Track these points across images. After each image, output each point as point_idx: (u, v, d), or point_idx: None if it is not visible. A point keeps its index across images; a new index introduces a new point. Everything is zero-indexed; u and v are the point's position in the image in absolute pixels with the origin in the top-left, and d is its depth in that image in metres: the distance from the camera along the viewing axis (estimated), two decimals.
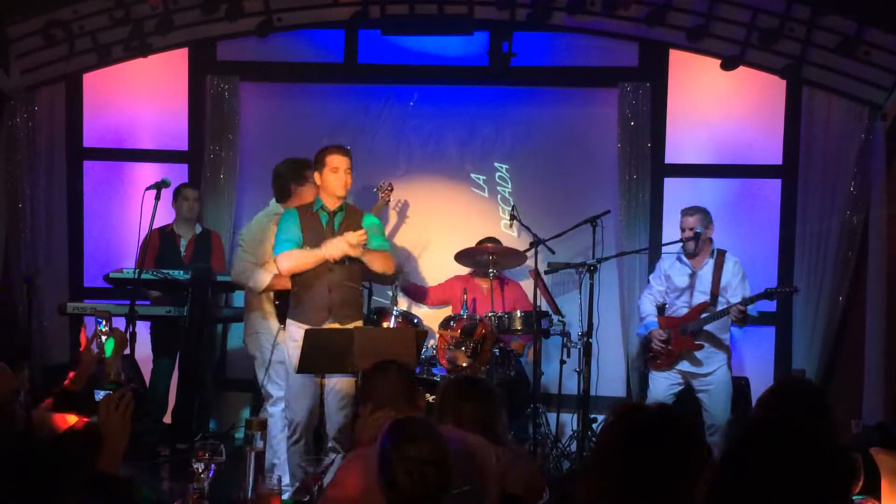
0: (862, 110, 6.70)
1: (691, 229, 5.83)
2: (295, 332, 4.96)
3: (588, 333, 5.90)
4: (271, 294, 5.39)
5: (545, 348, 6.53)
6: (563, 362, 6.24)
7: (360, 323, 5.07)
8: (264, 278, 5.31)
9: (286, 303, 5.14)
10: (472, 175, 7.26)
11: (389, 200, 6.72)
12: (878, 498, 3.34)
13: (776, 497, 1.55)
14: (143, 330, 6.84)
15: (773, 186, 7.11)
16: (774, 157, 7.08)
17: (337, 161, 4.99)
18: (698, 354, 5.76)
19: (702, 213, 5.90)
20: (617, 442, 2.02)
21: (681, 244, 5.91)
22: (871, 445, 3.41)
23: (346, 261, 4.90)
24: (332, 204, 5.05)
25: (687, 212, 5.95)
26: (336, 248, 4.84)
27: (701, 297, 5.82)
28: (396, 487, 2.45)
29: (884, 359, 6.61)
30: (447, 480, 2.48)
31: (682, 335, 5.76)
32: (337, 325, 4.90)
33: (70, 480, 2.86)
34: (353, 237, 4.80)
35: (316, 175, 5.04)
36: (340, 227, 5.02)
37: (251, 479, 3.21)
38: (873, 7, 6.54)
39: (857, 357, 6.72)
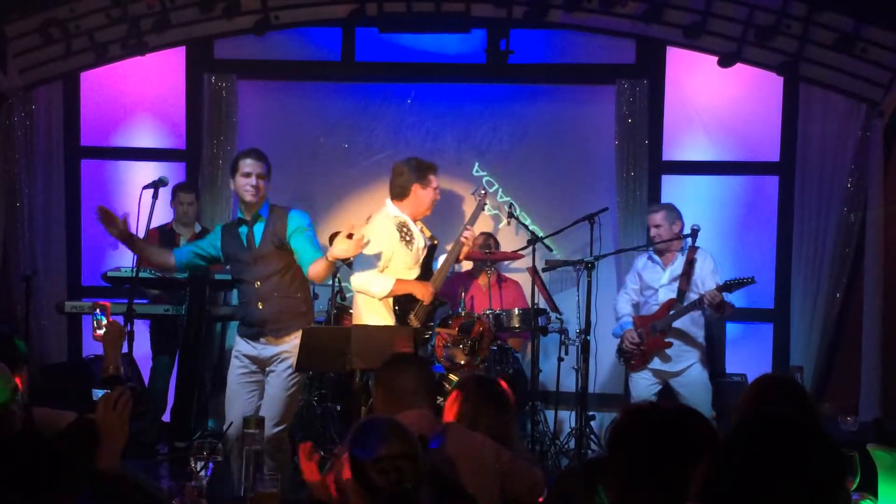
0: (859, 107, 6.72)
1: (657, 226, 5.82)
2: (237, 342, 5.00)
3: (586, 331, 5.91)
4: (390, 300, 5.07)
5: (543, 346, 6.55)
6: (560, 360, 6.26)
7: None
8: (387, 284, 4.98)
9: (405, 308, 5.01)
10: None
11: (486, 203, 6.06)
12: (875, 494, 3.35)
13: (770, 492, 1.56)
14: (142, 328, 6.86)
15: (771, 183, 7.13)
16: (772, 153, 7.10)
17: (248, 166, 4.80)
18: (668, 351, 5.76)
19: (666, 209, 5.90)
20: (638, 442, 2.05)
21: (664, 242, 5.90)
22: (867, 441, 3.42)
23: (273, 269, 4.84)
24: (248, 213, 4.88)
25: (653, 208, 5.98)
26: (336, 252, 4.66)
27: (670, 294, 5.81)
28: (374, 490, 2.44)
29: (880, 355, 6.62)
30: (421, 473, 2.48)
31: (652, 334, 5.77)
32: (272, 339, 4.84)
33: (70, 478, 2.87)
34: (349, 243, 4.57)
35: (231, 181, 4.92)
36: (263, 236, 4.85)
37: (248, 478, 3.21)
38: (870, 4, 6.55)
39: (854, 353, 6.73)
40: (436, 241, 5.32)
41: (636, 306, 6.06)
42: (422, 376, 3.29)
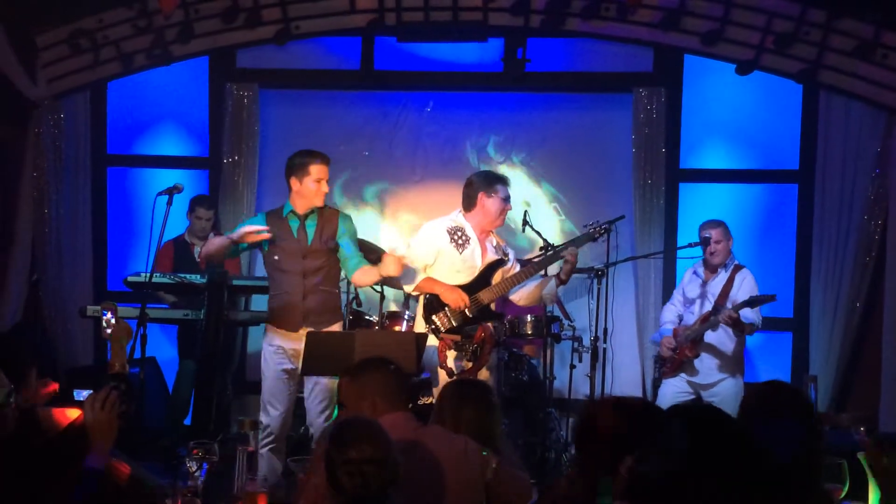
0: (880, 115, 6.65)
1: (717, 242, 5.78)
2: (271, 337, 5.10)
3: (597, 338, 5.91)
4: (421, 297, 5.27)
5: (561, 353, 6.56)
6: (573, 367, 6.25)
7: (338, 326, 5.16)
8: (415, 279, 5.16)
9: (433, 308, 5.11)
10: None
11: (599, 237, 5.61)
12: (866, 501, 3.33)
13: (689, 488, 1.59)
14: (168, 333, 7.00)
15: (791, 191, 7.08)
16: (791, 161, 7.05)
17: (321, 172, 5.02)
18: (696, 364, 5.75)
19: (722, 225, 5.85)
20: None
21: (701, 253, 5.89)
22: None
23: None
24: (302, 209, 5.08)
25: (709, 225, 5.88)
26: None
27: (708, 307, 5.79)
28: (342, 489, 2.51)
29: None
30: (389, 478, 2.52)
31: (684, 343, 5.76)
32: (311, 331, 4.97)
33: (67, 475, 2.95)
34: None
35: (293, 180, 5.05)
36: (315, 233, 5.06)
37: (241, 478, 3.28)
38: (890, 10, 6.50)
39: (874, 363, 6.66)
40: (506, 258, 5.31)
41: (681, 318, 6.05)
42: (403, 378, 3.32)
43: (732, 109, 7.06)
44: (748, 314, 5.55)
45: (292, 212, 5.11)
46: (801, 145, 6.99)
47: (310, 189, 5.03)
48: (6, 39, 6.92)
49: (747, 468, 1.63)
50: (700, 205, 7.06)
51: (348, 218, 5.24)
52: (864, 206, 6.69)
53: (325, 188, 5.06)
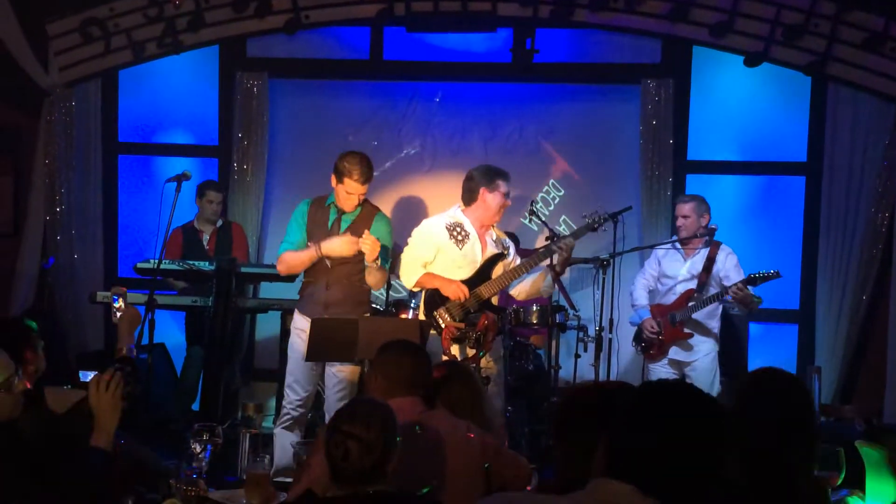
0: (888, 107, 6.64)
1: (685, 217, 5.82)
2: (298, 322, 5.15)
3: (602, 328, 5.94)
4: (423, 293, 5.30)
5: (567, 343, 6.58)
6: (578, 356, 6.28)
7: None
8: (415, 275, 5.20)
9: (434, 302, 5.15)
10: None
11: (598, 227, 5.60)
12: (863, 490, 3.37)
13: (668, 462, 1.62)
14: (176, 319, 7.06)
15: (798, 183, 7.07)
16: (799, 153, 7.04)
17: (355, 189, 5.03)
18: (689, 342, 5.78)
19: (697, 200, 5.88)
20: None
21: (687, 234, 5.91)
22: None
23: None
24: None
25: (682, 199, 5.96)
26: (331, 248, 4.99)
27: (689, 285, 5.81)
28: (329, 459, 2.57)
29: None
30: (375, 462, 2.55)
31: (671, 324, 5.77)
32: None
33: (72, 455, 3.01)
34: (363, 242, 4.89)
35: (333, 177, 5.11)
36: (348, 228, 5.10)
37: (245, 460, 3.33)
38: None
39: (880, 355, 6.67)
40: (506, 252, 5.34)
41: (652, 293, 6.07)
42: (420, 365, 3.36)
43: (740, 101, 7.05)
44: (751, 290, 5.58)
45: (334, 203, 5.17)
46: (808, 137, 6.99)
47: (340, 194, 5.09)
48: (19, 28, 7.00)
49: (724, 443, 1.67)
50: (707, 196, 7.00)
51: (385, 220, 5.24)
52: (871, 199, 6.69)
53: (353, 201, 5.07)
